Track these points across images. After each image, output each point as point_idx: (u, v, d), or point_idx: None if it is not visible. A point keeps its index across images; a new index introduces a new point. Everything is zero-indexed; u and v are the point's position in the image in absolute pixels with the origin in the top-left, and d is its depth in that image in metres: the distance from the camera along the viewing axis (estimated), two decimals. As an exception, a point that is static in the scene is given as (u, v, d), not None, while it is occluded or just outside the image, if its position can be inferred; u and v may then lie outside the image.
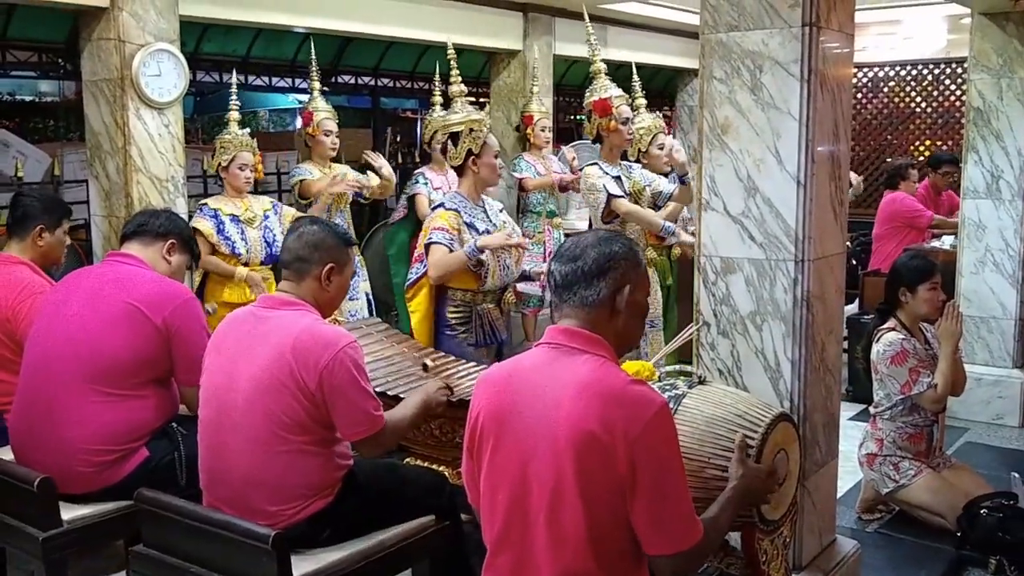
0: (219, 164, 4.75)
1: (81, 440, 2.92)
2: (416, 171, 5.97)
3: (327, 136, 5.19)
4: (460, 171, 4.13)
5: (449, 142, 4.11)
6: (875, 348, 4.08)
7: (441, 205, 4.07)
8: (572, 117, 14.29)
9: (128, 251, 3.22)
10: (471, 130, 4.02)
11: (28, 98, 11.31)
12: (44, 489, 2.77)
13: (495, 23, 6.90)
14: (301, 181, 5.10)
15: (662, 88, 10.26)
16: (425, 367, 3.37)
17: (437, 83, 6.04)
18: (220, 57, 6.56)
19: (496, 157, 4.09)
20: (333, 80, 7.61)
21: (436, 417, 3.10)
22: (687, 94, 9.57)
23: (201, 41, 6.16)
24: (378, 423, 2.67)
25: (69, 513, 2.88)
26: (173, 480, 3.02)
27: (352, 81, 7.77)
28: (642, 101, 5.37)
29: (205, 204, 4.73)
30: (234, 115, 4.91)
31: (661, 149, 5.12)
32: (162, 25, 4.61)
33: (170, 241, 3.29)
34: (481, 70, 8.01)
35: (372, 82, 7.78)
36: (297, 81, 7.36)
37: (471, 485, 2.23)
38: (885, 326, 4.12)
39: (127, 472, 2.98)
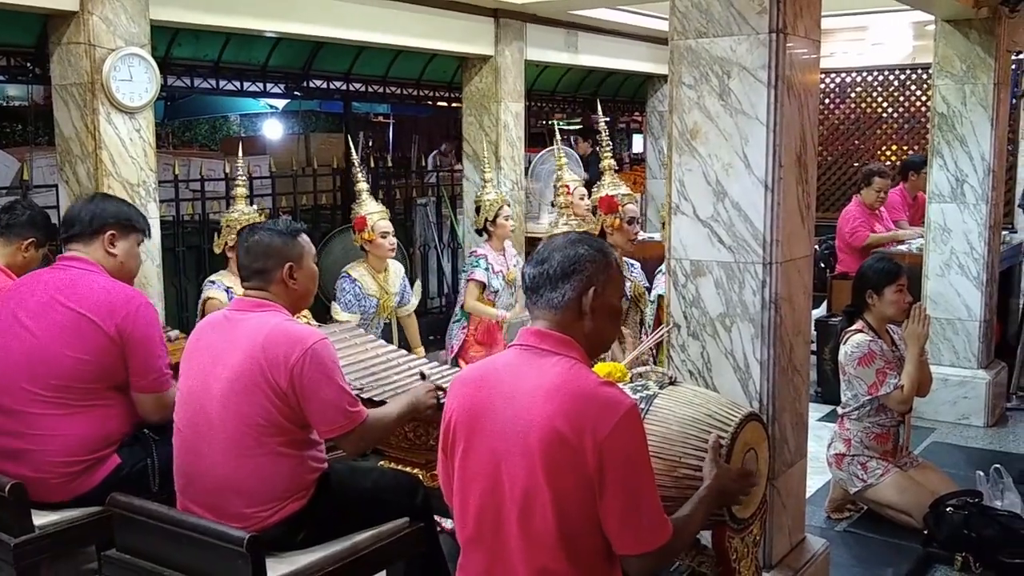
0: (225, 243, 4.59)
1: (49, 453, 2.89)
2: (475, 252, 5.75)
3: (384, 238, 4.99)
4: None
5: None
6: (843, 349, 4.14)
7: None
8: (543, 122, 14.38)
9: (74, 254, 3.09)
10: None
11: (-5, 102, 11.22)
12: (15, 494, 2.75)
13: (466, 28, 6.90)
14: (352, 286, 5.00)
15: (632, 94, 10.32)
16: (423, 376, 3.35)
17: (486, 170, 5.93)
18: (191, 61, 6.52)
19: None
20: (304, 84, 7.59)
21: (410, 420, 3.11)
22: (657, 100, 9.61)
23: (172, 45, 6.11)
24: (355, 419, 2.67)
25: (41, 519, 2.86)
26: (146, 487, 2.99)
27: (324, 86, 7.75)
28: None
29: (216, 280, 4.56)
30: (241, 191, 4.71)
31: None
32: (133, 29, 4.58)
33: (108, 232, 3.11)
34: (453, 75, 8.04)
35: (344, 87, 7.76)
36: (268, 85, 7.34)
37: (447, 485, 2.25)
38: (852, 328, 4.18)
39: (99, 480, 2.95)
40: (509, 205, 5.86)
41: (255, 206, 4.81)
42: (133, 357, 2.97)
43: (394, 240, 5.05)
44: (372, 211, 5.02)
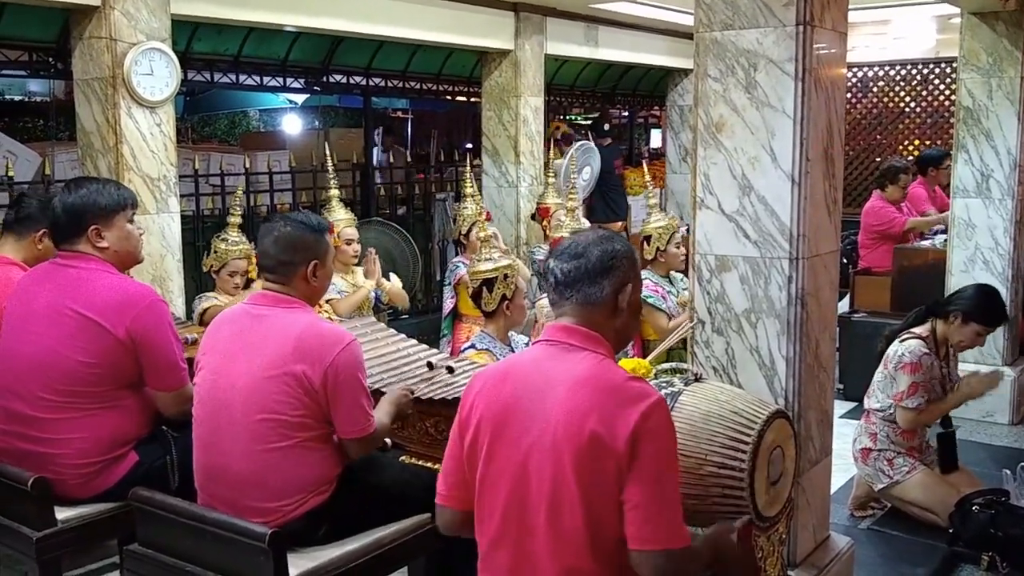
0: (211, 267, 4.66)
1: (65, 456, 2.87)
2: (454, 259, 5.94)
3: (349, 245, 5.09)
4: (491, 314, 4.00)
5: (484, 288, 3.97)
6: (896, 347, 4.08)
7: (472, 347, 3.93)
8: (562, 117, 14.33)
9: (71, 251, 2.99)
10: (505, 276, 3.95)
11: (17, 97, 11.27)
12: (38, 489, 2.76)
13: (486, 22, 6.89)
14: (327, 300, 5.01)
15: (652, 89, 10.27)
16: (430, 365, 3.35)
17: (467, 184, 5.87)
18: (211, 56, 6.53)
19: (524, 297, 4.06)
20: (324, 79, 7.59)
21: (432, 416, 3.09)
22: (677, 94, 9.56)
23: (192, 40, 6.11)
24: (371, 423, 2.69)
25: (63, 513, 2.86)
26: (165, 484, 2.96)
27: (343, 81, 7.74)
28: (654, 202, 5.32)
29: (204, 296, 4.67)
30: (234, 220, 4.71)
31: (679, 247, 5.04)
32: (154, 24, 4.58)
33: (91, 229, 2.97)
34: (472, 69, 8.01)
35: (364, 82, 7.75)
36: (288, 80, 7.34)
37: (449, 474, 2.24)
38: (916, 331, 4.11)
39: (118, 478, 2.93)
40: (481, 224, 5.90)
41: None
42: (147, 357, 2.92)
43: (358, 247, 5.17)
44: (340, 218, 5.12)
